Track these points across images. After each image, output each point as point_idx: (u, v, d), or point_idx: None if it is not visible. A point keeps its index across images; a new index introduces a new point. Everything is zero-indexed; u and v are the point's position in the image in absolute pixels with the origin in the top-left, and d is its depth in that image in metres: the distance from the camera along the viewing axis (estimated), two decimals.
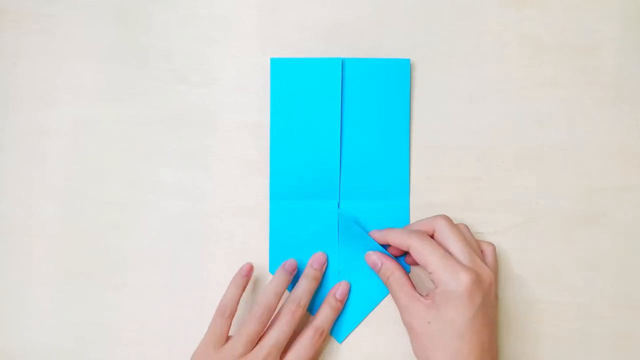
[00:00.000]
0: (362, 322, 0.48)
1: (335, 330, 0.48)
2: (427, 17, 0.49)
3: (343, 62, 0.48)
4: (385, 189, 0.49)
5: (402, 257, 0.47)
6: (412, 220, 0.49)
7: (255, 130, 0.49)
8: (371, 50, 0.49)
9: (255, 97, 0.49)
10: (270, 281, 0.46)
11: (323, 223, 0.48)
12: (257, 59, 0.49)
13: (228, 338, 0.45)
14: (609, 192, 0.49)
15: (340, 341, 0.48)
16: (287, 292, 0.47)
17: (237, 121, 0.49)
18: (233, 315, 0.45)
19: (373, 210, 0.48)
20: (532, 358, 0.48)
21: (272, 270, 0.48)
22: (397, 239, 0.45)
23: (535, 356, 0.48)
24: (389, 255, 0.47)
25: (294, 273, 0.47)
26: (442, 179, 0.49)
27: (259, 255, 0.49)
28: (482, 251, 0.46)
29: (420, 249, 0.43)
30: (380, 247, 0.47)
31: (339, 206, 0.48)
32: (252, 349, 0.44)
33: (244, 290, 0.46)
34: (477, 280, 0.42)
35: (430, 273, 0.43)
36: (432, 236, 0.45)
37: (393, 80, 0.48)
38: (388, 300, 0.48)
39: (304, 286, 0.46)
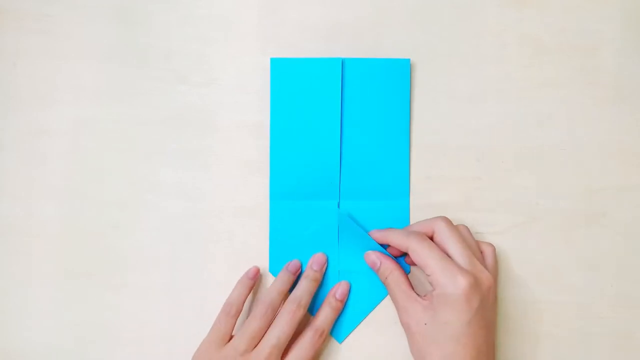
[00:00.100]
0: (362, 322, 0.48)
1: (335, 330, 0.48)
2: (427, 17, 0.49)
3: (343, 62, 0.48)
4: (385, 189, 0.49)
5: (402, 258, 0.47)
6: (412, 221, 0.49)
7: (255, 130, 0.49)
8: (371, 50, 0.49)
9: (255, 97, 0.49)
10: (274, 281, 0.46)
11: (323, 223, 0.48)
12: (257, 59, 0.49)
13: (231, 337, 0.45)
14: (609, 192, 0.49)
15: (340, 341, 0.48)
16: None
17: (237, 121, 0.49)
18: (238, 315, 0.45)
19: (373, 210, 0.48)
20: (532, 358, 0.48)
21: (272, 270, 0.48)
22: (397, 240, 0.45)
23: (535, 356, 0.48)
24: (388, 255, 0.47)
25: (297, 273, 0.47)
26: (442, 179, 0.49)
27: (259, 255, 0.49)
28: (481, 252, 0.46)
29: (419, 251, 0.43)
30: (380, 247, 0.47)
31: (339, 206, 0.48)
32: (254, 347, 0.44)
33: (250, 291, 0.47)
34: (475, 283, 0.42)
35: (428, 275, 0.43)
36: (431, 238, 0.45)
37: (393, 80, 0.48)
38: (388, 300, 0.48)
39: (304, 287, 0.46)
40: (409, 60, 0.48)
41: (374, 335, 0.48)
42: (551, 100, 0.49)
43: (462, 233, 0.45)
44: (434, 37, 0.49)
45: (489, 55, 0.49)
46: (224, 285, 0.47)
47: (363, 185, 0.48)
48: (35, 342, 0.48)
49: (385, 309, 0.48)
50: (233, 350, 0.44)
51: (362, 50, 0.49)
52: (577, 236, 0.49)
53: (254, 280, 0.47)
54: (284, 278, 0.46)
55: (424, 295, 0.44)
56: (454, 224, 0.45)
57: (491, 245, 0.46)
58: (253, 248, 0.49)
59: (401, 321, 0.44)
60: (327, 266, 0.48)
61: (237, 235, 0.49)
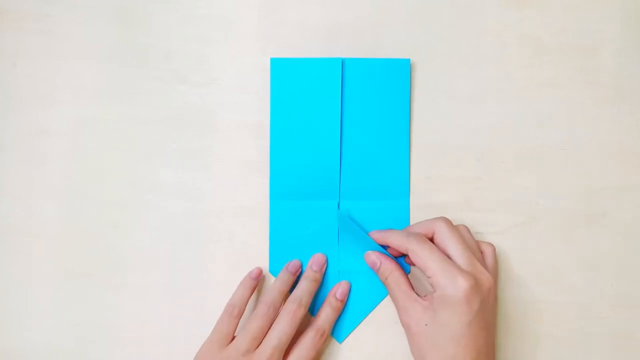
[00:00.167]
0: (362, 322, 0.48)
1: (335, 330, 0.48)
2: (427, 17, 0.49)
3: (343, 62, 0.48)
4: (385, 189, 0.49)
5: (402, 258, 0.47)
6: (412, 221, 0.49)
7: (255, 130, 0.49)
8: (371, 50, 0.49)
9: (255, 97, 0.49)
10: (274, 281, 0.46)
11: (323, 223, 0.48)
12: (257, 59, 0.49)
13: (233, 338, 0.45)
14: (609, 192, 0.49)
15: (341, 341, 0.48)
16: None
17: (237, 121, 0.49)
18: (241, 315, 0.45)
19: (373, 211, 0.48)
20: (531, 358, 0.48)
21: (272, 270, 0.48)
22: (397, 241, 0.45)
23: (535, 356, 0.48)
24: (388, 255, 0.47)
25: (298, 273, 0.47)
26: (442, 179, 0.49)
27: (259, 255, 0.49)
28: (481, 252, 0.46)
29: (419, 252, 0.43)
30: (380, 247, 0.47)
31: (339, 206, 0.48)
32: (256, 347, 0.44)
33: (253, 292, 0.47)
34: (476, 285, 0.42)
35: (428, 277, 0.43)
36: (431, 239, 0.45)
37: (393, 80, 0.48)
38: (388, 300, 0.48)
39: (304, 287, 0.46)
40: (409, 60, 0.48)
41: (374, 335, 0.48)
42: (551, 100, 0.49)
43: (462, 233, 0.45)
44: (434, 37, 0.49)
45: (489, 55, 0.49)
46: (224, 285, 0.47)
47: (363, 185, 0.48)
48: (35, 342, 0.48)
49: (385, 309, 0.48)
50: (235, 351, 0.44)
51: (362, 50, 0.49)
52: (577, 236, 0.49)
53: (257, 281, 0.47)
54: (284, 278, 0.46)
55: (424, 296, 0.44)
56: (454, 224, 0.45)
57: (491, 245, 0.46)
58: (253, 248, 0.49)
59: (401, 321, 0.44)
60: (327, 266, 0.48)
61: (237, 235, 0.49)
